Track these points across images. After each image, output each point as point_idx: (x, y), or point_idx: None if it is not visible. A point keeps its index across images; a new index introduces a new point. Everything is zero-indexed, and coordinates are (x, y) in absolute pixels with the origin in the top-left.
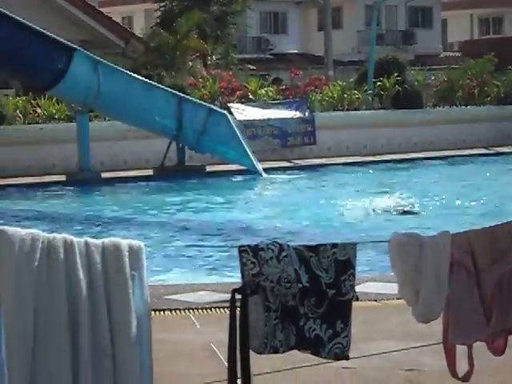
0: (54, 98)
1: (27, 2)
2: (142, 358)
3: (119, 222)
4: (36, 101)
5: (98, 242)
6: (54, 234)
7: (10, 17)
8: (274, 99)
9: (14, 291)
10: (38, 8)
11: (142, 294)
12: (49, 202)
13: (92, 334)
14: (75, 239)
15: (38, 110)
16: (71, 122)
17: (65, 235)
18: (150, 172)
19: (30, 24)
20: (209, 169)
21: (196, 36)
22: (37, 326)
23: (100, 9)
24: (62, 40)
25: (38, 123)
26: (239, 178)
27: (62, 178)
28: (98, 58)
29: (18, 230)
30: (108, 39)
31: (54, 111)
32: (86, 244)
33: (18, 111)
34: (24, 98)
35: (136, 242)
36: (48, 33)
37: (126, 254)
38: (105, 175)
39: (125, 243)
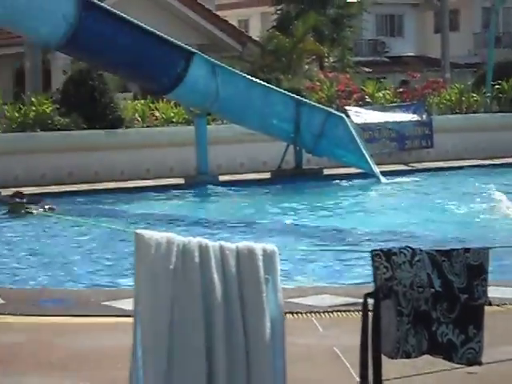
0: (173, 102)
1: (146, 7)
2: (275, 361)
3: (237, 225)
4: (154, 104)
5: (233, 245)
6: (190, 238)
7: (131, 22)
8: (392, 102)
9: (150, 293)
10: (156, 13)
11: (276, 298)
12: (168, 205)
13: (226, 336)
14: (210, 243)
15: (157, 114)
16: (189, 125)
17: (200, 239)
18: (267, 175)
19: (150, 28)
20: (326, 172)
21: (312, 39)
22: (172, 327)
23: (217, 12)
24: (180, 44)
25: (156, 126)
26: (357, 181)
27: (181, 180)
28: (217, 62)
29: (155, 233)
30: (225, 43)
31: (172, 114)
32: (221, 248)
33: (136, 114)
34: (143, 102)
35: (270, 246)
36: (167, 37)
37: (260, 257)
38: (222, 178)
39: (259, 247)
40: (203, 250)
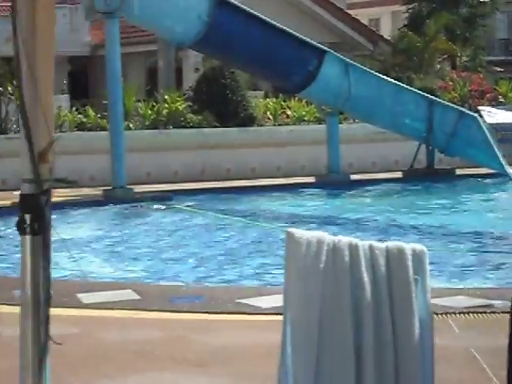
0: (304, 100)
1: (277, 4)
2: (424, 363)
3: (370, 224)
4: (286, 103)
5: (382, 245)
6: (340, 237)
7: (263, 19)
8: None
9: (300, 292)
10: (287, 11)
11: (425, 299)
12: (300, 203)
13: (375, 335)
14: (360, 242)
15: (288, 112)
16: (320, 123)
17: (350, 238)
18: (398, 174)
19: (282, 26)
20: (458, 172)
21: (444, 38)
22: (322, 326)
23: (348, 11)
24: (313, 42)
25: (287, 125)
26: (490, 181)
27: (311, 179)
28: (349, 60)
29: (305, 232)
30: (356, 41)
31: (303, 113)
32: (371, 247)
33: (268, 113)
34: (274, 100)
35: (419, 246)
36: (299, 35)
37: (410, 257)
38: (353, 177)
39: (408, 247)
40: (353, 249)
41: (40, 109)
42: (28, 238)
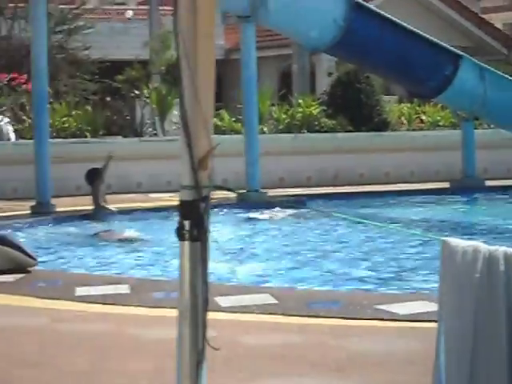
0: (439, 105)
1: (411, 8)
2: None
3: (504, 232)
4: (421, 108)
5: None
6: (496, 246)
7: (398, 23)
8: None
9: (454, 302)
10: (421, 14)
11: None
12: (436, 209)
13: None
14: None
15: (423, 117)
16: (455, 129)
17: (506, 248)
18: None
19: (417, 30)
20: None
21: None
22: (476, 338)
23: (481, 15)
24: (448, 47)
25: (422, 130)
26: None
27: (446, 184)
28: (484, 65)
29: (460, 241)
30: (490, 46)
31: (438, 118)
32: None
33: (402, 118)
34: (409, 105)
35: None
36: (434, 39)
37: None
38: (488, 183)
39: None
40: (509, 258)
41: (200, 115)
42: (187, 243)
